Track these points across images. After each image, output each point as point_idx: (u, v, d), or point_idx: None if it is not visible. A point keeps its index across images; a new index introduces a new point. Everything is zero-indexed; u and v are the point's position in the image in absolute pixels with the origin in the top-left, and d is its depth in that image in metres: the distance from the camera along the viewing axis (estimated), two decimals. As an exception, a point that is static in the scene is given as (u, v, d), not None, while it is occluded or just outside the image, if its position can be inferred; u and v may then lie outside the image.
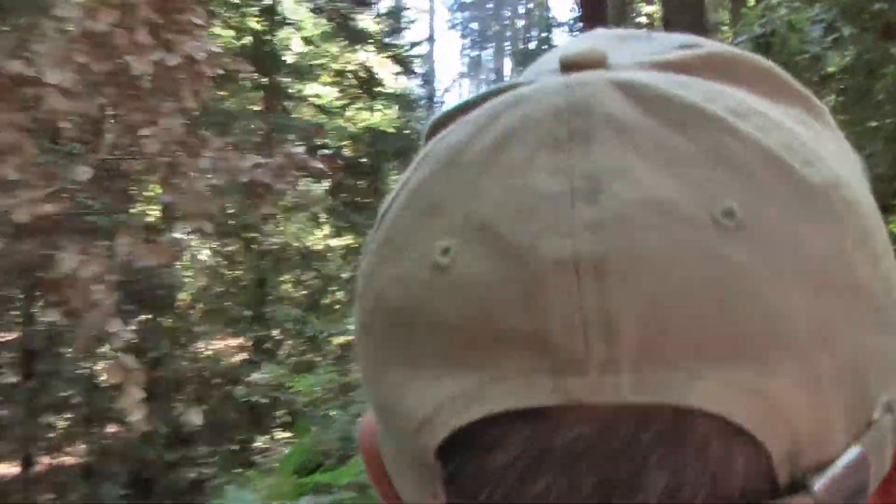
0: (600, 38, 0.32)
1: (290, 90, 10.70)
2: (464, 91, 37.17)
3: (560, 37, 26.13)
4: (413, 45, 13.60)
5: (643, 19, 18.73)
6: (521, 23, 30.79)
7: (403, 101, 13.47)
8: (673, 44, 0.31)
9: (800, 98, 0.31)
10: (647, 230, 0.24)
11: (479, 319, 0.25)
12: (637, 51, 0.30)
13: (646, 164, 0.25)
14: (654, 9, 19.73)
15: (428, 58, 37.08)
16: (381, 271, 0.29)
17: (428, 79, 33.47)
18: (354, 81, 11.50)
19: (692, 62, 0.29)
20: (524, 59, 29.02)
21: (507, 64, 34.12)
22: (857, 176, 0.30)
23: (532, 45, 27.86)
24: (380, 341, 0.28)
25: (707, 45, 0.31)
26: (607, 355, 0.24)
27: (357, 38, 10.97)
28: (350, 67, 11.48)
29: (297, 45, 11.68)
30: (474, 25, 36.83)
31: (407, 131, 12.31)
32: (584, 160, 0.25)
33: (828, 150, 0.28)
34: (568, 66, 0.29)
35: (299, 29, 11.02)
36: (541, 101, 0.27)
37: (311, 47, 11.37)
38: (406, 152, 11.87)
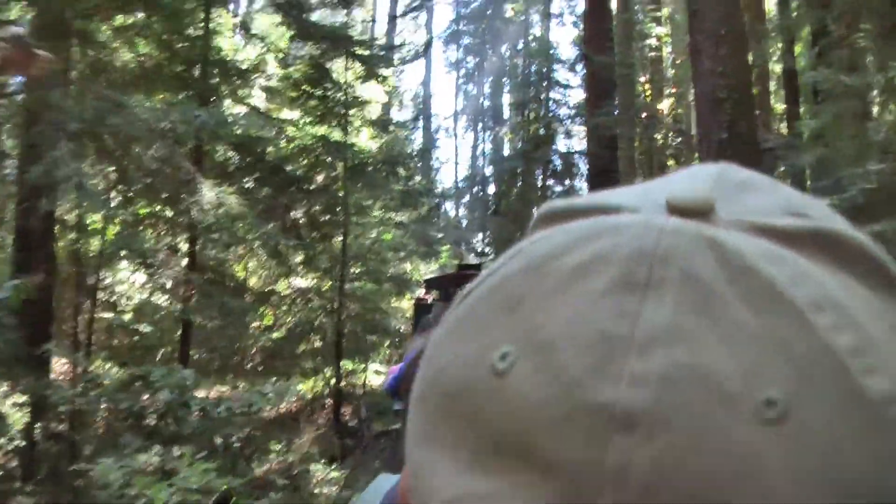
0: (719, 181, 0.32)
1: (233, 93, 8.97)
2: (459, 128, 36.11)
3: (562, 73, 24.80)
4: (392, 48, 12.02)
5: (653, 41, 17.50)
6: (520, 59, 29.53)
7: (383, 123, 11.91)
8: (787, 205, 0.31)
9: None
10: (687, 398, 0.25)
11: (514, 432, 0.26)
12: (749, 205, 0.30)
13: (709, 330, 0.26)
14: (665, 31, 18.50)
15: (424, 94, 35.91)
16: (448, 347, 0.30)
17: (423, 114, 32.25)
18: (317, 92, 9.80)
19: (796, 235, 0.29)
20: (522, 93, 27.87)
21: (506, 99, 32.90)
22: None
23: (532, 80, 26.51)
24: (428, 414, 0.30)
25: (817, 217, 0.30)
26: (613, 500, 0.25)
27: (312, 34, 9.27)
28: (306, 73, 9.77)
29: (272, 68, 10.15)
30: (470, 61, 35.83)
31: (386, 154, 10.71)
32: (652, 310, 0.26)
33: None
34: (673, 208, 0.29)
35: (246, 30, 9.41)
36: (633, 238, 0.28)
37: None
38: (373, 175, 10.26)
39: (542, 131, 24.04)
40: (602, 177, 19.41)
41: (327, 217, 9.54)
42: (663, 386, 0.25)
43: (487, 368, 0.28)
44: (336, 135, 9.84)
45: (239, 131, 8.16)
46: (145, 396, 5.28)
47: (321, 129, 9.92)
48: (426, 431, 0.30)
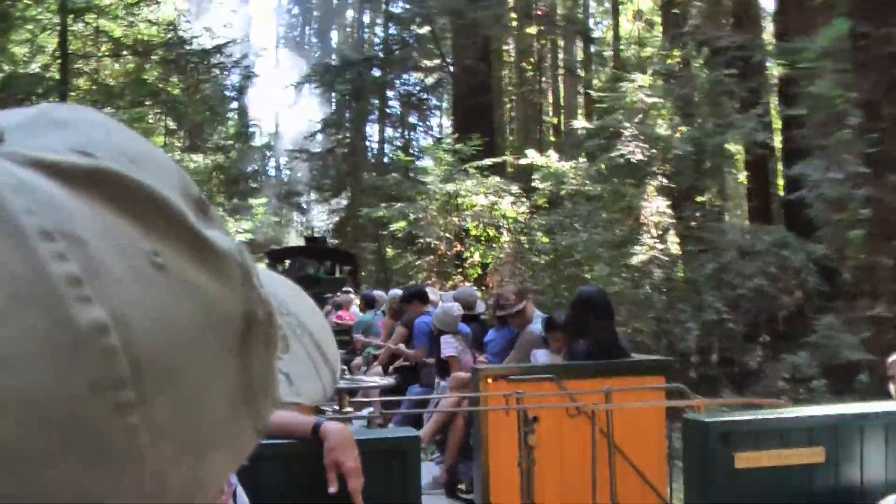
0: (35, 116, 0.34)
1: None
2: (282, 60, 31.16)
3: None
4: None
5: None
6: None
7: None
8: (80, 144, 0.32)
9: (182, 234, 0.32)
10: None
11: None
12: (43, 141, 0.32)
13: None
14: None
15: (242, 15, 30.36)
16: None
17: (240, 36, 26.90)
18: None
19: (70, 171, 0.31)
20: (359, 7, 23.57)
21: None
22: (176, 329, 0.31)
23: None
24: None
25: (103, 157, 0.32)
26: None
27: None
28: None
29: None
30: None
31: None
32: None
33: (149, 295, 0.30)
34: None
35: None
36: None
37: None
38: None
39: (385, 48, 19.67)
40: (471, 98, 15.74)
41: None
42: None
43: None
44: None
45: None
46: None
47: None
48: None
